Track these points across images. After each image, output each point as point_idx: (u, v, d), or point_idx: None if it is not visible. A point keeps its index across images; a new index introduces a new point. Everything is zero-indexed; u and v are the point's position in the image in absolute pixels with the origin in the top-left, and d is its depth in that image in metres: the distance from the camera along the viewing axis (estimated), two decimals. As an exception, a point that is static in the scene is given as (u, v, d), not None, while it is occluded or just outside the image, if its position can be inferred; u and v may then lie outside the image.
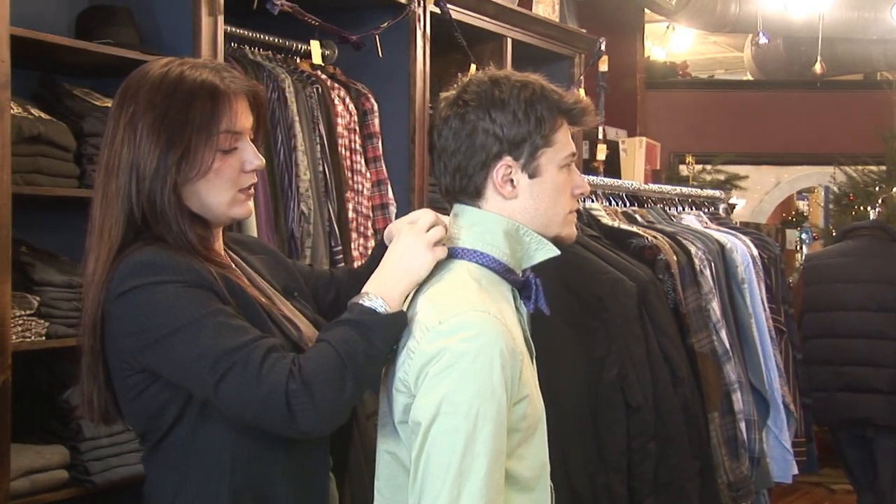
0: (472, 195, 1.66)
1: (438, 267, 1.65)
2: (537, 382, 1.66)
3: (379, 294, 1.59)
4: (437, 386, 1.49)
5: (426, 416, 1.49)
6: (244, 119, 1.68)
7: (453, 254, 1.66)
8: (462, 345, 1.49)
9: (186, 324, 1.53)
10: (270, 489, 1.65)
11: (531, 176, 1.65)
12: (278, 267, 1.88)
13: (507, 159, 1.63)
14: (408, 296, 1.64)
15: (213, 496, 1.62)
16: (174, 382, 1.59)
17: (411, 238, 1.63)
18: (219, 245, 1.74)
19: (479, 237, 1.65)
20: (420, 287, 1.64)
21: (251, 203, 1.73)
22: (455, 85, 1.68)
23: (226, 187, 1.67)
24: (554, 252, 1.68)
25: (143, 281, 1.56)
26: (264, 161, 1.73)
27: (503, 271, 1.65)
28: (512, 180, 1.64)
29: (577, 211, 2.76)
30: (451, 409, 1.47)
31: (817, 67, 7.55)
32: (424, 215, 1.68)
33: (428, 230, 1.64)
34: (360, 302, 1.58)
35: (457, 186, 1.66)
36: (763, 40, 7.63)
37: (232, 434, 1.61)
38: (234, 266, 1.75)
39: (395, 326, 1.58)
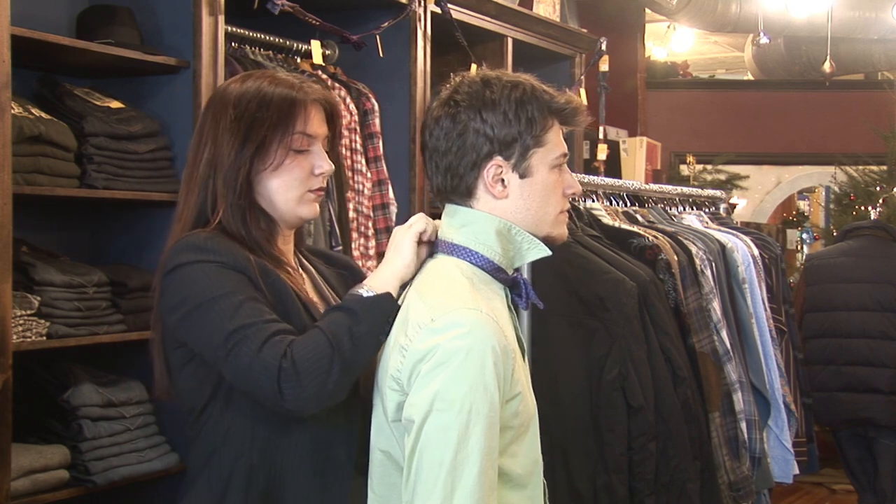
0: (464, 195, 1.67)
1: (430, 264, 1.68)
2: (530, 380, 1.67)
3: (369, 284, 1.68)
4: (429, 383, 1.49)
5: (419, 413, 1.49)
6: (318, 125, 1.80)
7: (445, 251, 1.67)
8: (454, 342, 1.50)
9: (213, 297, 1.64)
10: (284, 473, 1.70)
11: (522, 176, 1.65)
12: (356, 283, 1.93)
13: (498, 159, 1.64)
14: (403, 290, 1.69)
15: (230, 470, 1.70)
16: (198, 353, 1.68)
17: (397, 231, 1.74)
18: (286, 248, 1.84)
19: (471, 236, 1.66)
20: (411, 282, 1.67)
21: (317, 206, 1.84)
22: (447, 85, 1.69)
23: (295, 185, 1.78)
24: (545, 252, 1.69)
25: (186, 259, 1.68)
26: (333, 167, 1.84)
27: (493, 270, 1.65)
28: (503, 180, 1.65)
29: (578, 210, 2.78)
30: (444, 406, 1.48)
31: (826, 66, 7.50)
32: (418, 219, 1.74)
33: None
34: (353, 291, 1.68)
35: (448, 186, 1.67)
36: (764, 40, 7.60)
37: (253, 415, 1.69)
38: (292, 266, 1.83)
39: (378, 308, 1.63)
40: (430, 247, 1.72)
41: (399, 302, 1.66)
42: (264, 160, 1.75)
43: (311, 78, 3.07)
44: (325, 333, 1.61)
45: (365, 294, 1.65)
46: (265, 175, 1.76)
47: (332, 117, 1.85)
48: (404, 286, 1.69)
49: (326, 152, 1.83)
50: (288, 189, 1.78)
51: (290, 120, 1.76)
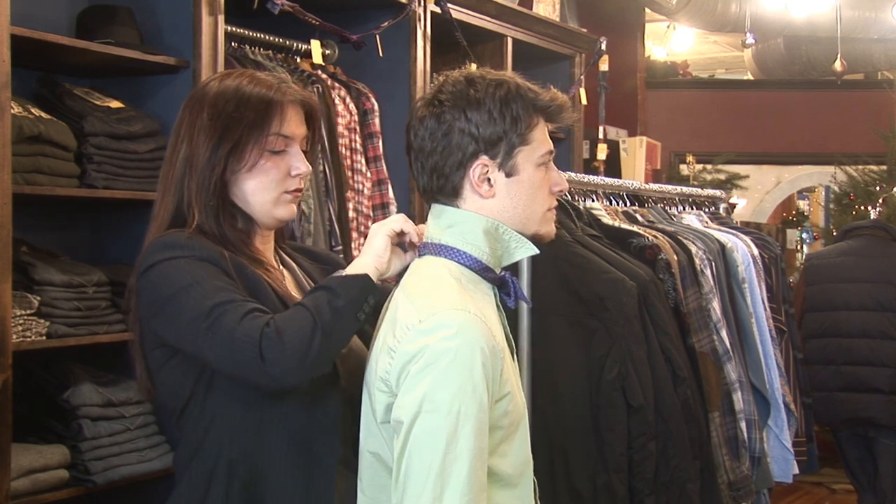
0: (450, 195, 1.67)
1: (417, 264, 1.69)
2: (519, 380, 1.67)
3: (346, 271, 1.70)
4: (418, 385, 1.50)
5: (408, 415, 1.49)
6: (295, 126, 1.79)
7: (433, 252, 1.67)
8: (442, 343, 1.50)
9: (188, 284, 1.64)
10: (265, 468, 1.70)
11: (508, 174, 1.65)
12: None
13: (484, 158, 1.64)
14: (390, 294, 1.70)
15: (212, 466, 1.70)
16: (177, 346, 1.68)
17: (372, 227, 1.78)
18: (265, 247, 1.83)
19: (459, 236, 1.66)
20: (399, 283, 1.67)
21: (294, 207, 1.83)
22: (432, 84, 1.70)
23: (272, 186, 1.78)
24: (533, 250, 1.69)
25: (161, 257, 1.68)
26: (311, 169, 1.83)
27: (481, 270, 1.66)
28: (489, 179, 1.65)
29: (578, 210, 2.78)
30: (433, 407, 1.48)
31: (837, 65, 7.47)
32: (395, 217, 1.76)
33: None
34: (330, 276, 1.71)
35: (434, 186, 1.67)
36: (750, 40, 7.59)
37: (233, 411, 1.70)
38: (272, 264, 1.83)
39: (355, 284, 1.65)
40: (416, 251, 1.72)
41: (387, 302, 1.67)
42: (240, 161, 1.74)
43: (304, 75, 3.08)
44: (305, 307, 1.62)
45: (342, 274, 1.67)
46: (241, 176, 1.76)
47: (311, 117, 1.84)
48: (392, 288, 1.70)
49: (305, 153, 1.82)
50: (264, 191, 1.77)
51: (266, 121, 1.75)
